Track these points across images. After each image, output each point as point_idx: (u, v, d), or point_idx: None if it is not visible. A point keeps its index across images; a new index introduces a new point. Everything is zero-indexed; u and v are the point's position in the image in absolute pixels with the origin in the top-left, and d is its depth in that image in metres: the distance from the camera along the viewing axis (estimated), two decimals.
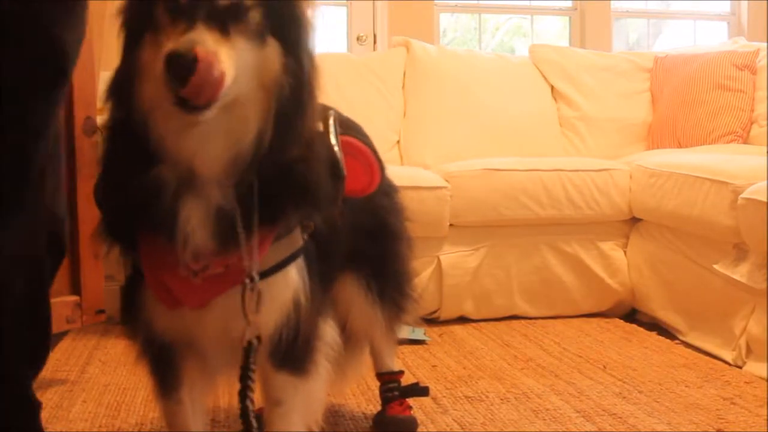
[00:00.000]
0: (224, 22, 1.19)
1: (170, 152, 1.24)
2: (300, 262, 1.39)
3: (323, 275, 1.47)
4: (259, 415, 1.43)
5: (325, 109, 1.46)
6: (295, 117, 1.27)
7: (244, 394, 1.32)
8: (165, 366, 1.45)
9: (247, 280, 1.29)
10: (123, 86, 1.27)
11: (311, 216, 1.37)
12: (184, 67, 1.13)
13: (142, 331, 1.42)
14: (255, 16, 1.23)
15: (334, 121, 1.48)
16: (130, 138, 1.26)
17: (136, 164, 1.25)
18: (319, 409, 1.53)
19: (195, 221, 1.25)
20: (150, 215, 1.25)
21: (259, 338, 1.34)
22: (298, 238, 1.39)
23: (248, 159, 1.24)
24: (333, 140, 1.45)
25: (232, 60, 1.19)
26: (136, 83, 1.24)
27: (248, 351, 1.32)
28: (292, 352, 1.41)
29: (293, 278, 1.37)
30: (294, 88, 1.26)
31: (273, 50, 1.25)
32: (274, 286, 1.34)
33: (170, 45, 1.16)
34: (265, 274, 1.32)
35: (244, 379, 1.33)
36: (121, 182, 1.28)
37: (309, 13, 1.31)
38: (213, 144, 1.23)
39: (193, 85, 1.13)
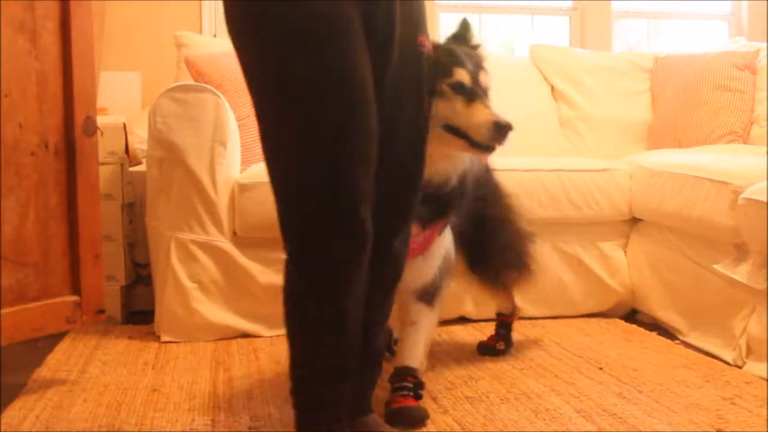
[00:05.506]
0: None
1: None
2: (449, 237, 2.21)
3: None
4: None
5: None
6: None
7: None
8: None
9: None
10: None
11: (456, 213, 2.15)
12: (506, 130, 1.98)
13: None
14: None
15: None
16: None
17: None
18: (434, 331, 2.26)
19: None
20: None
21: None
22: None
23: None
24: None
25: None
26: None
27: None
28: (430, 290, 2.17)
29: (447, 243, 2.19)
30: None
31: None
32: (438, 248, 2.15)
33: (490, 114, 1.97)
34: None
35: None
36: None
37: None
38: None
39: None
